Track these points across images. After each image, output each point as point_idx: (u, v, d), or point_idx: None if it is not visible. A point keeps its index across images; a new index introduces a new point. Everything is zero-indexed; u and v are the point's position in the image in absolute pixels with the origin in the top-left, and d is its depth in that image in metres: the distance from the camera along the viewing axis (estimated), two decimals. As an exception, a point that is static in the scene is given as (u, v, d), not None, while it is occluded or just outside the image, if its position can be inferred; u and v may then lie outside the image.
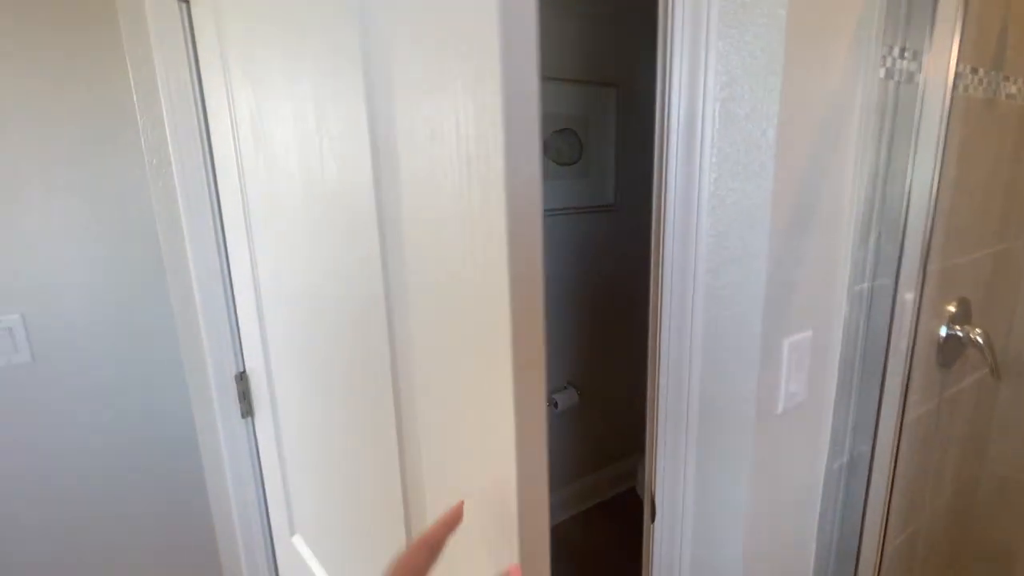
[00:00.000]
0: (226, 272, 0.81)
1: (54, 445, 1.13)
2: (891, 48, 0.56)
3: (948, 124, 0.55)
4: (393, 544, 0.51)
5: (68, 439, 1.14)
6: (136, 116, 1.06)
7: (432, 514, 0.45)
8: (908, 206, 0.57)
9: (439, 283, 0.36)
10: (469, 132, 0.30)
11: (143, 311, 1.15)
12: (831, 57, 0.52)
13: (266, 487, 0.88)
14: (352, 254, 0.46)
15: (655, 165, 0.56)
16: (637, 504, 1.91)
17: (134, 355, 1.15)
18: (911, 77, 0.58)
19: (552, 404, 1.71)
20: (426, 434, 0.43)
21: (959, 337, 0.78)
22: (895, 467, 0.65)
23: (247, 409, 0.85)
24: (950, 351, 0.81)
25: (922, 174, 0.56)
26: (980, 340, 0.77)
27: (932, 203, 0.56)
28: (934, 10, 0.54)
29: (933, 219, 0.57)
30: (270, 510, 0.88)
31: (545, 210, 1.39)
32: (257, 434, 0.86)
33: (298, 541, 0.77)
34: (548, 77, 1.50)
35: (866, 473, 0.66)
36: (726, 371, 0.55)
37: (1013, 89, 0.80)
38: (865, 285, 0.61)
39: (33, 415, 1.10)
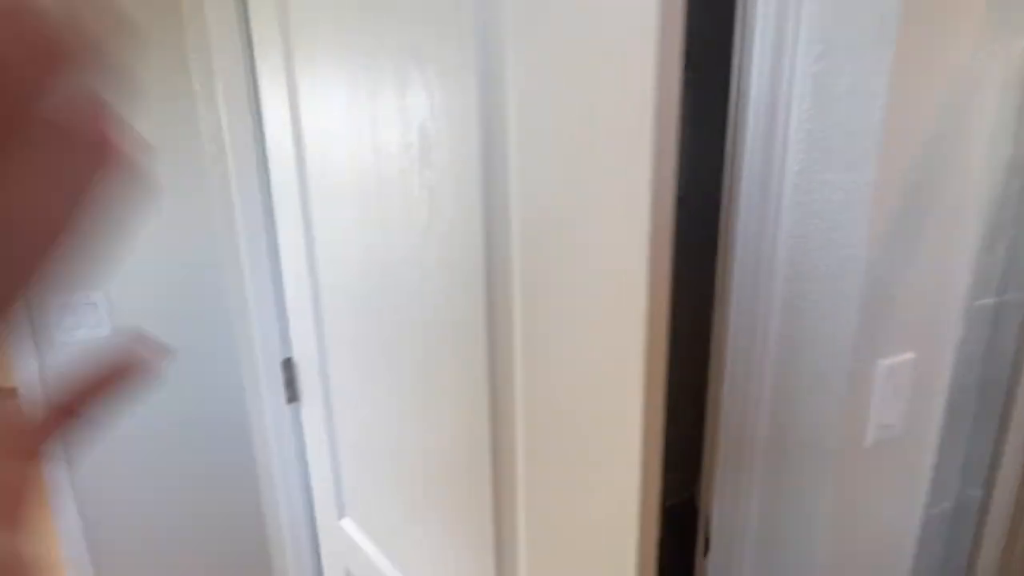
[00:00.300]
0: (275, 264, 0.82)
1: (141, 408, 1.21)
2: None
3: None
4: (475, 531, 0.49)
5: (155, 399, 1.22)
6: (199, 112, 1.09)
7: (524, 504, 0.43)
8: (1054, 205, 0.46)
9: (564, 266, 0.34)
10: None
11: (204, 297, 1.21)
12: (961, 22, 0.42)
13: (312, 471, 0.88)
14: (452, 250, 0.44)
15: (726, 151, 0.49)
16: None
17: (195, 337, 1.21)
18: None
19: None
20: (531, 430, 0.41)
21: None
22: (1016, 516, 0.54)
23: (293, 395, 0.86)
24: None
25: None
26: None
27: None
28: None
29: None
30: (315, 493, 0.89)
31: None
32: (303, 420, 0.87)
33: (347, 524, 0.77)
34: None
35: (975, 522, 0.55)
36: (804, 395, 0.47)
37: None
38: (989, 300, 0.51)
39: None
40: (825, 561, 0.48)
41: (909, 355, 0.47)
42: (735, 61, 0.46)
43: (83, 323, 1.12)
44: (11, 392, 1.35)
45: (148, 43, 1.08)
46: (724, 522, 0.53)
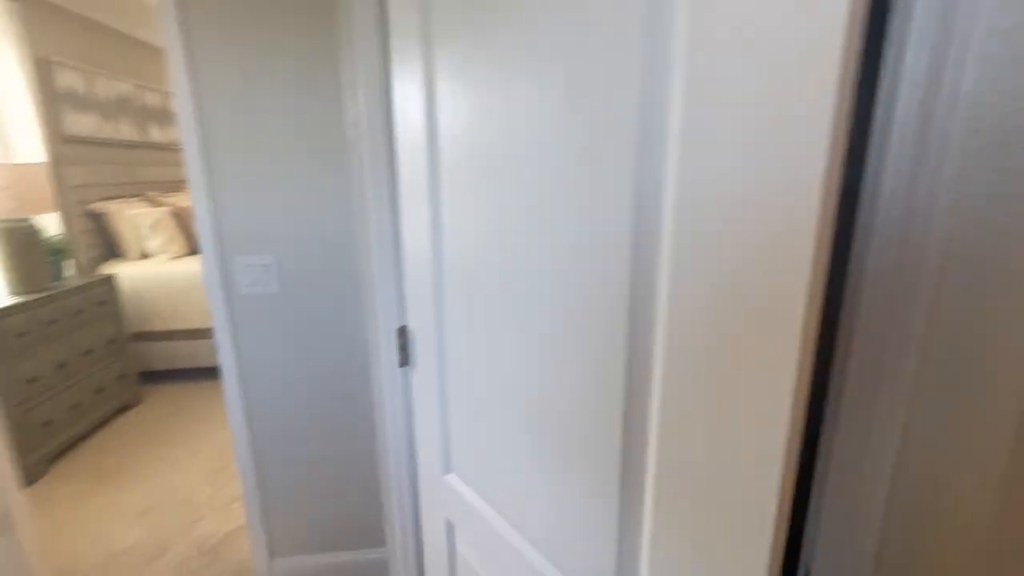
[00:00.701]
0: (397, 241, 0.90)
1: (291, 355, 1.44)
2: None
3: None
4: (596, 492, 0.54)
5: (301, 350, 1.44)
6: (345, 102, 1.23)
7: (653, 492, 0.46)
8: None
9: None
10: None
11: (344, 265, 1.38)
12: None
13: (417, 430, 0.97)
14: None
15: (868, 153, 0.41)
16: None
17: (338, 298, 1.39)
18: None
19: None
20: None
21: None
22: None
23: (405, 359, 0.95)
24: None
25: None
26: None
27: None
28: None
29: None
30: (420, 450, 0.98)
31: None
32: (413, 383, 0.96)
33: (452, 479, 0.84)
34: None
35: None
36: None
37: None
38: None
39: (280, 328, 1.42)
40: None
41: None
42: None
43: (259, 281, 1.35)
44: (209, 331, 1.70)
45: (312, 42, 1.24)
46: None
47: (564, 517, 0.60)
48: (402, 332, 0.94)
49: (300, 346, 1.38)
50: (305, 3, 1.19)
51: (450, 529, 0.89)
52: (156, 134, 3.89)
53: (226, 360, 1.36)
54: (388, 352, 0.98)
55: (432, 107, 0.71)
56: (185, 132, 1.22)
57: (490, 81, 0.58)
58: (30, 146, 2.71)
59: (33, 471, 2.14)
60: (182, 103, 1.21)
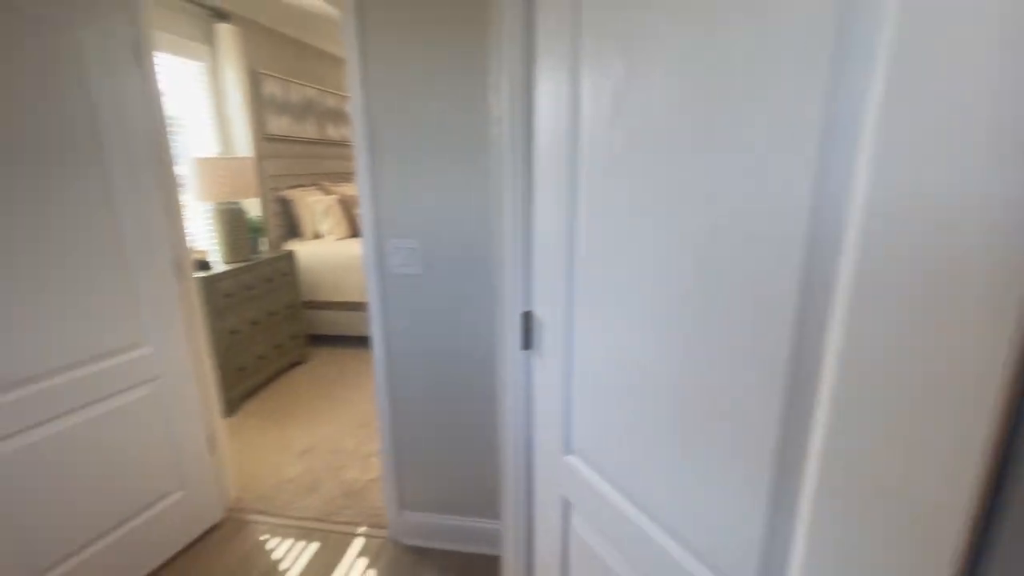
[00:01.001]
0: (528, 231, 0.95)
1: (429, 330, 1.59)
2: None
3: None
4: (744, 481, 0.56)
5: (438, 326, 1.59)
6: (490, 99, 1.32)
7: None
8: None
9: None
10: None
11: (481, 250, 1.47)
12: None
13: (537, 412, 1.03)
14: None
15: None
16: None
17: (477, 282, 1.50)
18: None
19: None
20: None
21: None
22: None
23: (527, 343, 1.00)
24: None
25: None
26: None
27: None
28: None
29: None
30: (538, 432, 1.03)
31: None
32: (534, 366, 1.01)
33: (572, 460, 0.89)
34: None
35: None
36: None
37: None
38: None
39: (422, 305, 1.58)
40: None
41: None
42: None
43: (406, 262, 1.51)
44: (364, 305, 1.96)
45: (462, 50, 1.34)
46: None
47: (702, 503, 0.61)
48: (526, 317, 1.00)
49: (437, 322, 1.52)
50: (460, 16, 1.29)
51: (566, 507, 0.92)
52: (331, 132, 4.50)
53: (376, 330, 1.56)
54: (512, 335, 1.04)
55: (575, 102, 0.74)
56: (357, 131, 1.41)
57: (646, 73, 0.60)
58: (241, 143, 3.33)
59: (230, 406, 2.66)
60: (355, 105, 1.40)
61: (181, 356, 1.66)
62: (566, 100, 0.76)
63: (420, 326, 1.53)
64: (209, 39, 3.11)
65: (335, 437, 2.43)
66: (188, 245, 1.70)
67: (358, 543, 1.74)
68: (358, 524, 1.83)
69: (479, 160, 1.38)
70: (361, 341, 3.67)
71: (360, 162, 1.44)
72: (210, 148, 3.19)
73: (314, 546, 1.73)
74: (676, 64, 0.56)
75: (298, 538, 1.77)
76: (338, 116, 4.61)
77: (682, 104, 0.56)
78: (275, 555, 1.69)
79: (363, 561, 1.66)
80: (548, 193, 0.86)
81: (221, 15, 3.13)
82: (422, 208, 1.44)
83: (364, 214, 1.47)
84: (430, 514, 1.71)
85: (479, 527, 1.67)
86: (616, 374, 0.74)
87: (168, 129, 1.60)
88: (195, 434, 1.73)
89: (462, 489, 1.66)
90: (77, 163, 1.33)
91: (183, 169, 2.69)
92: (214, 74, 3.17)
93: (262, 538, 1.77)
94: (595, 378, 0.79)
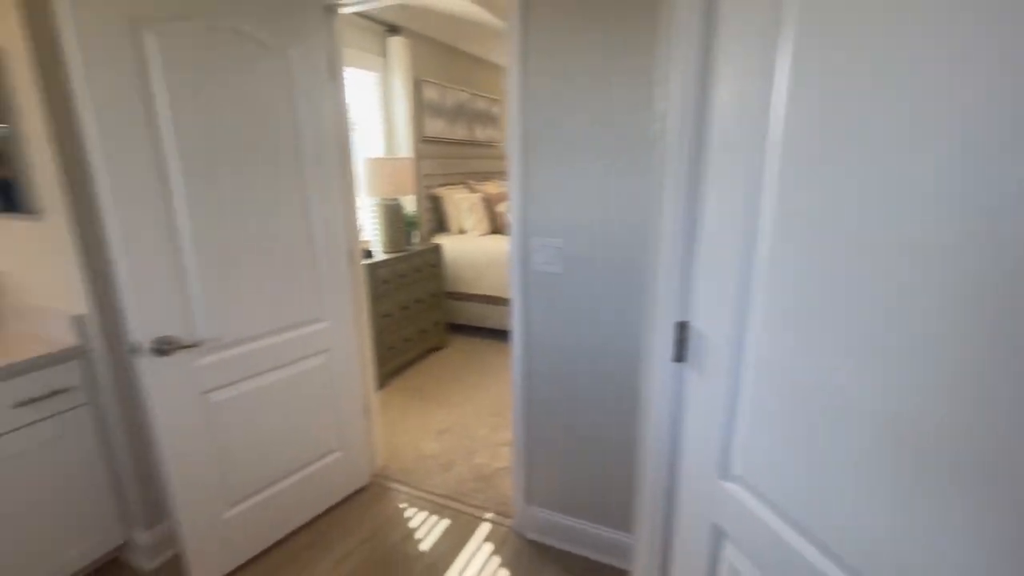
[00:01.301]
0: (690, 238, 0.89)
1: (568, 330, 1.60)
2: None
3: None
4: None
5: (577, 326, 1.58)
6: (655, 94, 1.26)
7: None
8: None
9: None
10: None
11: (626, 250, 1.42)
12: None
13: (688, 431, 0.96)
14: None
15: None
16: None
17: (621, 284, 1.45)
18: None
19: None
20: None
21: None
22: None
23: (680, 355, 0.94)
24: None
25: None
26: None
27: None
28: None
29: None
30: (687, 450, 0.96)
31: None
32: (686, 380, 0.94)
33: (732, 487, 0.81)
34: None
35: None
36: None
37: None
38: None
39: (562, 304, 1.58)
40: None
41: None
42: None
43: (550, 260, 1.52)
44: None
45: (622, 51, 1.30)
46: None
47: (919, 554, 0.52)
48: (681, 327, 0.93)
49: (576, 322, 1.51)
50: (620, 12, 1.26)
51: (718, 536, 0.85)
52: (479, 133, 4.75)
53: (516, 325, 1.60)
54: (662, 345, 0.98)
55: (765, 94, 0.67)
56: (512, 130, 1.46)
57: (880, 61, 0.52)
58: (403, 144, 3.67)
59: (379, 381, 2.96)
60: (512, 105, 1.44)
61: (348, 332, 1.88)
62: (755, 93, 0.69)
63: (559, 324, 1.54)
64: (383, 51, 3.48)
65: (469, 421, 2.57)
66: (359, 236, 1.91)
67: (484, 528, 1.81)
68: (486, 509, 1.90)
69: (633, 159, 1.33)
70: (493, 333, 3.82)
71: (513, 160, 1.48)
72: (377, 149, 3.57)
73: (445, 522, 1.84)
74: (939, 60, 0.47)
75: (432, 512, 1.90)
76: (485, 118, 4.84)
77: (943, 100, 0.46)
78: (412, 524, 1.83)
79: (488, 546, 1.72)
80: (723, 193, 0.79)
81: (394, 29, 3.48)
82: (570, 207, 1.44)
83: (513, 211, 1.51)
84: (555, 513, 1.71)
85: (605, 536, 1.63)
86: (810, 404, 0.65)
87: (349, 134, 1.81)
88: (354, 402, 1.96)
89: (590, 493, 1.64)
90: (287, 166, 1.58)
91: (356, 168, 3.05)
92: (384, 83, 3.54)
93: (401, 505, 1.93)
94: (772, 404, 0.71)
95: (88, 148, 1.18)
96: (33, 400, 1.37)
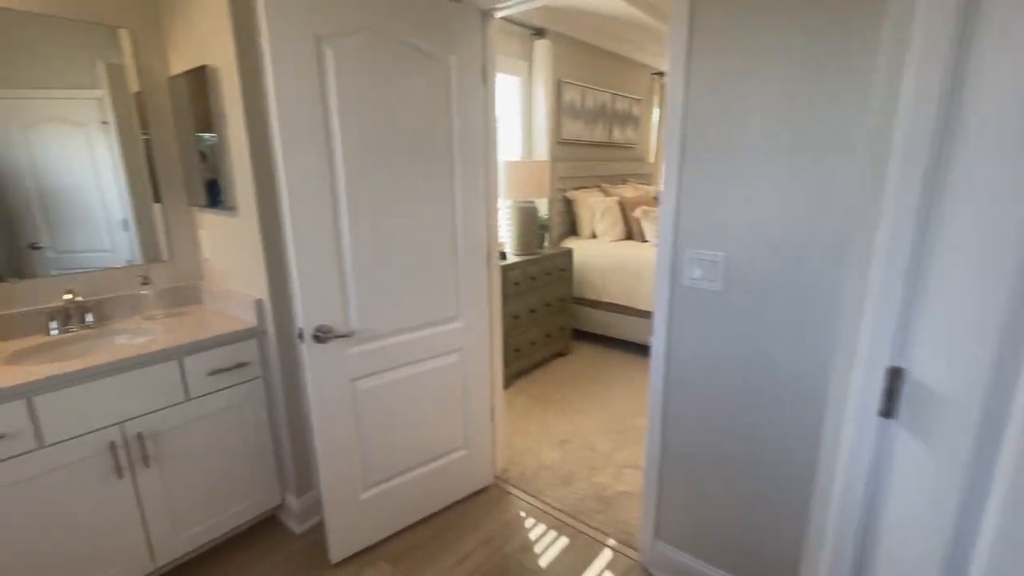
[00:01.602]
0: (916, 263, 0.69)
1: (721, 356, 1.41)
2: None
3: None
4: None
5: (734, 355, 1.39)
6: (875, 86, 1.04)
7: None
8: None
9: None
10: None
11: (809, 276, 1.20)
12: None
13: (888, 502, 0.76)
14: None
15: None
16: None
17: (798, 310, 1.24)
18: None
19: None
20: None
21: None
22: None
23: (889, 409, 0.74)
24: None
25: None
26: None
27: None
28: None
29: None
30: (887, 530, 0.77)
31: None
32: (896, 440, 0.75)
33: None
34: None
35: None
36: None
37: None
38: None
39: (716, 326, 1.41)
40: None
41: None
42: None
43: (706, 276, 1.36)
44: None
45: (820, 36, 1.09)
46: None
47: None
48: (893, 374, 0.74)
49: (732, 349, 1.33)
50: (826, 5, 1.05)
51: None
52: (617, 135, 4.59)
53: (657, 342, 1.46)
54: (862, 393, 0.79)
55: None
56: (671, 131, 1.32)
57: None
58: (540, 147, 3.67)
59: (504, 382, 2.98)
60: (673, 104, 1.31)
61: (482, 333, 1.90)
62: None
63: (710, 348, 1.36)
64: (528, 55, 3.51)
65: (590, 434, 2.46)
66: (497, 238, 1.92)
67: (606, 555, 1.70)
68: (607, 535, 1.79)
69: (824, 162, 1.12)
70: (620, 344, 3.65)
71: (669, 163, 1.34)
72: (515, 151, 3.62)
73: (564, 540, 1.76)
74: None
75: (550, 526, 1.83)
76: (625, 118, 4.66)
77: None
78: (531, 535, 1.79)
79: (610, 576, 1.61)
80: (982, 206, 0.59)
81: (539, 32, 3.49)
82: (735, 218, 1.26)
83: (664, 218, 1.37)
84: (687, 555, 1.53)
85: (747, 594, 1.42)
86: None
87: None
88: (482, 403, 1.97)
89: (733, 543, 1.44)
90: (438, 169, 1.63)
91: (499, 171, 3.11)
92: (527, 85, 3.57)
93: (520, 513, 1.90)
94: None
95: (275, 152, 1.32)
96: (222, 370, 1.58)
